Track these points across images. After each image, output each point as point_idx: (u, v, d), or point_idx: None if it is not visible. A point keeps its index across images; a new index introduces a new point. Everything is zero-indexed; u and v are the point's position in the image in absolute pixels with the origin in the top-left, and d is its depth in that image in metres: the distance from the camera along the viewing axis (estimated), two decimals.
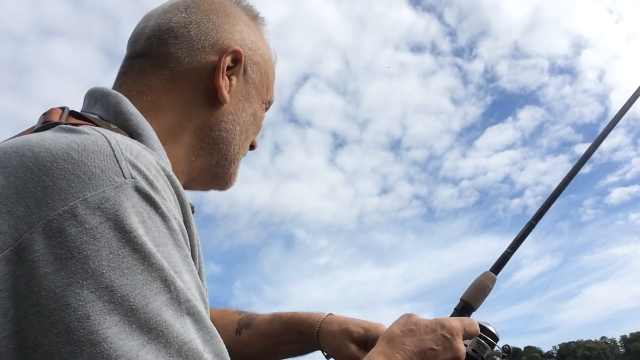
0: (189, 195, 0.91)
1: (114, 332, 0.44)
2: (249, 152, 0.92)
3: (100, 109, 0.71)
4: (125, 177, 0.51)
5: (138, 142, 0.60)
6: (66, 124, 0.61)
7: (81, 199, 0.48)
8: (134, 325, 0.45)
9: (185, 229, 0.58)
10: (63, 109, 0.67)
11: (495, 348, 0.88)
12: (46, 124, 0.61)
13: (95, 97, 0.73)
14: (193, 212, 0.75)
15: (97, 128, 0.58)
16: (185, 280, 0.52)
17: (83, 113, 0.68)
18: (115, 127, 0.67)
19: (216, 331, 0.53)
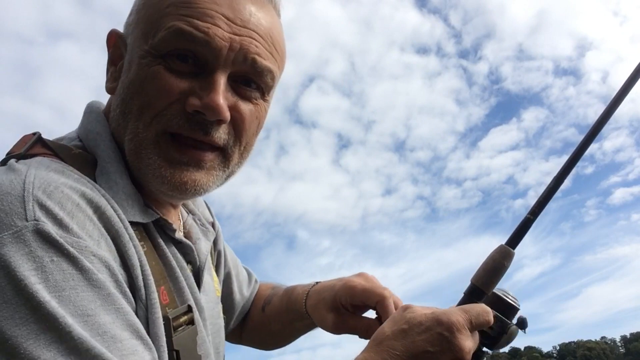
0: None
1: None
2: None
3: (80, 128, 0.73)
4: (27, 220, 0.50)
5: (71, 173, 0.59)
6: (25, 154, 0.62)
7: None
8: None
9: (114, 263, 0.56)
10: (35, 134, 0.68)
11: (514, 320, 0.75)
12: (7, 156, 0.62)
13: (83, 112, 0.75)
14: (174, 230, 0.72)
15: (34, 162, 0.58)
16: (103, 322, 0.50)
17: (49, 141, 0.67)
18: (79, 151, 0.67)
19: None
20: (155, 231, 0.70)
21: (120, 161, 0.68)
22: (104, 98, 0.79)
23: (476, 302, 0.73)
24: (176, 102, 0.65)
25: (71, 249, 0.51)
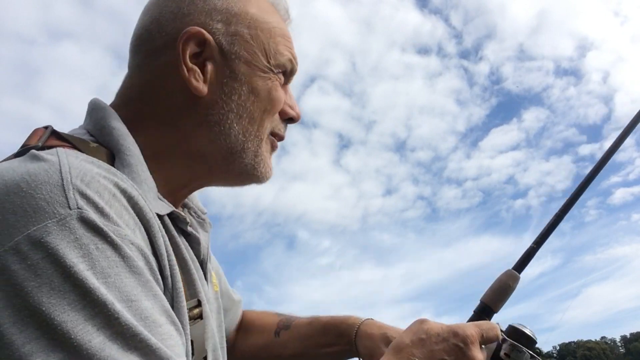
0: (200, 197, 0.87)
1: None
2: (293, 127, 0.85)
3: (89, 124, 0.71)
4: (70, 208, 0.50)
5: (100, 164, 0.59)
6: (42, 147, 0.61)
7: (25, 234, 0.48)
8: None
9: (149, 251, 0.57)
10: (47, 128, 0.67)
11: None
12: (24, 148, 0.61)
13: (88, 110, 0.74)
14: (187, 223, 0.74)
15: (61, 152, 0.57)
16: (145, 307, 0.51)
17: (64, 133, 0.67)
18: (96, 144, 0.67)
19: (176, 358, 0.51)
20: (170, 224, 0.70)
21: (140, 154, 0.68)
22: (104, 98, 0.78)
23: (485, 320, 0.82)
24: (280, 110, 0.80)
25: (114, 237, 0.51)
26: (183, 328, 0.61)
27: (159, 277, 0.58)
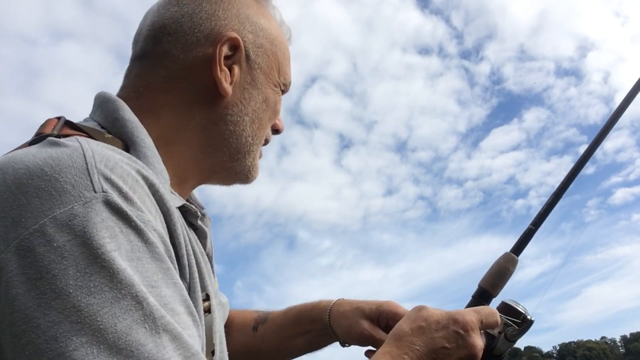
0: (201, 196, 0.90)
1: (81, 353, 0.43)
2: (265, 155, 0.89)
3: (100, 116, 0.71)
4: (95, 192, 0.50)
5: (121, 152, 0.60)
6: (57, 135, 0.61)
7: (50, 216, 0.47)
8: (102, 346, 0.44)
9: (168, 239, 0.57)
10: (59, 118, 0.67)
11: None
12: (39, 136, 0.61)
13: (97, 102, 0.73)
14: (198, 216, 0.75)
15: (80, 139, 0.57)
16: (165, 295, 0.50)
17: (78, 123, 0.67)
18: (110, 135, 0.67)
19: (197, 348, 0.51)
20: (181, 217, 0.71)
21: (154, 147, 0.69)
22: None
23: (484, 304, 0.82)
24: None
25: (138, 221, 0.51)
26: (200, 318, 0.61)
27: (177, 265, 0.58)
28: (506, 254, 0.87)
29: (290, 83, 0.87)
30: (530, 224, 0.88)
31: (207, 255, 0.80)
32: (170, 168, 0.72)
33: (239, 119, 0.78)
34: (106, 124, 0.69)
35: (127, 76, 0.79)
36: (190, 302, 0.55)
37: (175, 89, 0.75)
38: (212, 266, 0.80)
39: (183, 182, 0.77)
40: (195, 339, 0.53)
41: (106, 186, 0.51)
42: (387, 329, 0.92)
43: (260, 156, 0.86)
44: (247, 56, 0.78)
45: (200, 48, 0.75)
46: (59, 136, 0.60)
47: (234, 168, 0.81)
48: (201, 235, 0.78)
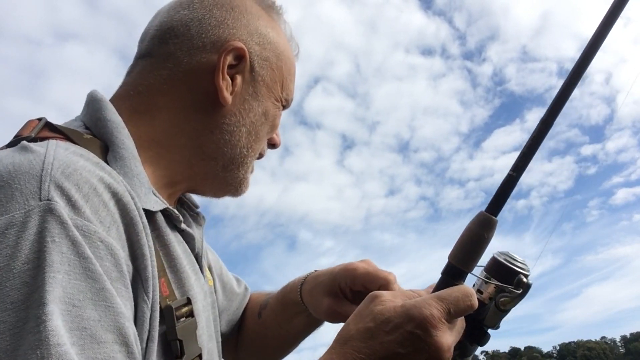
0: (200, 200, 0.87)
1: None
2: (268, 154, 0.87)
3: (85, 115, 0.71)
4: (40, 200, 0.49)
5: (90, 158, 0.58)
6: (34, 138, 0.60)
7: None
8: None
9: (122, 252, 0.53)
10: (40, 119, 0.66)
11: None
12: (17, 138, 0.61)
13: (86, 102, 0.73)
14: (180, 221, 0.72)
15: (51, 144, 0.57)
16: (87, 317, 0.47)
17: (58, 125, 0.67)
18: (90, 136, 0.66)
19: None
20: (162, 220, 0.69)
21: (134, 148, 0.68)
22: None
23: (455, 284, 0.62)
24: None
25: (76, 233, 0.49)
26: (150, 340, 0.56)
27: (128, 283, 0.54)
28: (480, 214, 0.64)
29: (292, 99, 0.86)
30: (510, 170, 0.66)
31: (197, 255, 0.78)
32: (159, 169, 0.71)
33: (235, 129, 0.77)
34: (90, 124, 0.69)
35: (129, 73, 0.78)
36: (128, 330, 0.50)
37: (175, 92, 0.74)
38: (201, 266, 0.78)
39: (172, 184, 0.76)
40: None
41: (54, 194, 0.50)
42: (356, 295, 0.82)
43: (252, 170, 0.85)
44: (252, 67, 0.78)
45: (205, 54, 0.75)
46: (35, 139, 0.60)
47: (226, 179, 0.80)
48: (188, 237, 0.76)
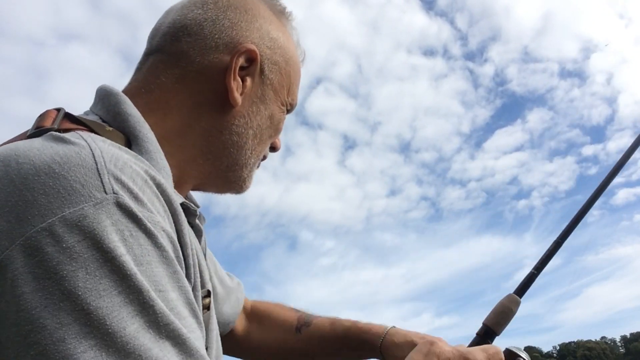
0: (199, 197, 0.89)
1: (89, 356, 0.42)
2: (270, 155, 0.88)
3: (101, 109, 0.70)
4: (106, 193, 0.48)
5: (127, 150, 0.58)
6: (58, 129, 0.59)
7: (59, 215, 0.46)
8: (110, 350, 0.43)
9: (176, 239, 0.56)
10: (58, 110, 0.65)
11: None
12: (39, 129, 0.59)
13: (98, 95, 0.72)
14: (196, 215, 0.74)
15: (85, 135, 0.56)
16: (171, 299, 0.50)
17: (79, 116, 0.66)
18: (112, 129, 0.66)
19: (203, 352, 0.50)
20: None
21: (157, 142, 0.68)
22: None
23: (488, 342, 0.86)
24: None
25: (148, 224, 0.50)
26: (201, 317, 0.59)
27: (184, 266, 0.57)
28: (510, 295, 0.91)
29: (296, 104, 0.88)
30: (533, 269, 0.93)
31: (204, 252, 0.81)
32: (171, 166, 0.71)
33: (243, 130, 0.78)
34: (107, 118, 0.68)
35: (139, 69, 0.78)
36: (195, 304, 0.54)
37: (186, 91, 0.74)
38: (207, 263, 0.81)
39: (181, 183, 0.77)
40: (199, 341, 0.52)
41: (117, 187, 0.50)
42: None
43: (258, 166, 0.87)
44: (262, 70, 0.79)
45: (217, 54, 0.75)
46: (59, 130, 0.59)
47: (228, 178, 0.81)
48: (198, 233, 0.77)
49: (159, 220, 0.53)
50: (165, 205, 0.57)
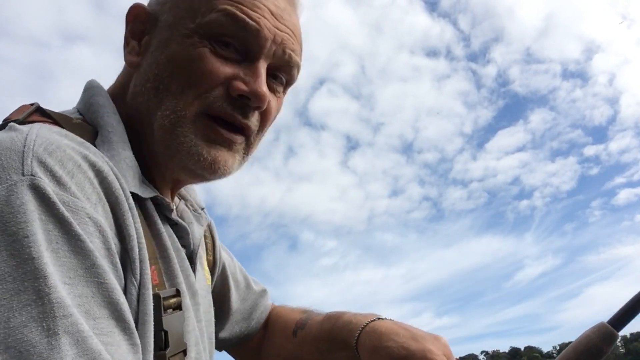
0: (208, 197, 0.89)
1: None
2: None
3: (80, 102, 0.72)
4: (23, 175, 0.48)
5: (75, 138, 0.58)
6: (23, 121, 0.60)
7: None
8: None
9: (109, 229, 0.53)
10: (33, 104, 0.66)
11: None
12: (5, 121, 0.61)
13: (83, 90, 0.74)
14: (171, 210, 0.70)
15: (37, 124, 0.57)
16: (80, 294, 0.46)
17: (49, 111, 0.66)
18: (79, 120, 0.66)
19: (106, 355, 0.44)
20: (153, 209, 0.68)
21: (122, 133, 0.67)
22: None
23: None
24: (220, 86, 0.67)
25: (63, 209, 0.48)
26: (147, 317, 0.55)
27: (117, 260, 0.53)
28: (601, 324, 0.59)
29: (226, 16, 0.67)
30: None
31: (192, 251, 0.76)
32: (149, 160, 0.70)
33: (142, 89, 0.70)
34: (83, 110, 0.70)
35: None
36: (122, 305, 0.50)
37: (133, 80, 0.74)
38: (194, 262, 0.75)
39: (162, 177, 0.74)
40: (114, 348, 0.46)
41: (37, 169, 0.49)
42: None
43: (218, 135, 0.68)
44: (155, 18, 0.72)
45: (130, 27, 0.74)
46: (24, 123, 0.59)
47: (172, 153, 0.68)
48: (181, 231, 0.74)
49: (84, 206, 0.50)
50: (101, 193, 0.54)
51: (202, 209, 0.87)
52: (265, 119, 0.74)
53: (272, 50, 0.70)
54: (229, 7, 0.67)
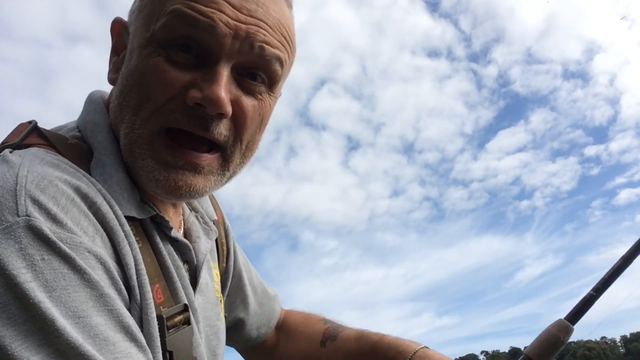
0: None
1: None
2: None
3: (80, 117, 0.71)
4: (19, 216, 0.48)
5: (67, 166, 0.57)
6: (19, 145, 0.59)
7: None
8: None
9: (110, 259, 0.54)
10: (30, 122, 0.66)
11: None
12: (3, 145, 0.60)
13: (85, 102, 0.73)
14: (170, 228, 0.69)
15: (28, 153, 0.56)
16: (95, 324, 0.48)
17: (45, 130, 0.65)
18: (75, 141, 0.65)
19: None
20: (153, 228, 0.68)
21: (117, 153, 0.65)
22: None
23: None
24: (176, 97, 0.61)
25: (63, 247, 0.48)
26: (153, 340, 0.57)
27: (122, 287, 0.55)
28: (559, 320, 0.79)
29: (177, 17, 0.61)
30: (592, 290, 0.81)
31: (196, 266, 0.75)
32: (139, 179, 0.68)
33: (112, 106, 0.67)
34: (82, 127, 0.69)
35: None
36: (134, 327, 0.52)
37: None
38: (196, 278, 0.74)
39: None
40: None
41: (31, 209, 0.49)
42: None
43: (180, 154, 0.63)
44: (127, 32, 0.69)
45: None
46: (20, 146, 0.59)
47: (142, 178, 0.65)
48: (183, 247, 0.73)
49: (82, 240, 0.51)
50: (97, 224, 0.55)
51: (215, 220, 0.86)
52: (239, 126, 0.66)
53: (236, 47, 0.62)
54: (178, 6, 0.61)
